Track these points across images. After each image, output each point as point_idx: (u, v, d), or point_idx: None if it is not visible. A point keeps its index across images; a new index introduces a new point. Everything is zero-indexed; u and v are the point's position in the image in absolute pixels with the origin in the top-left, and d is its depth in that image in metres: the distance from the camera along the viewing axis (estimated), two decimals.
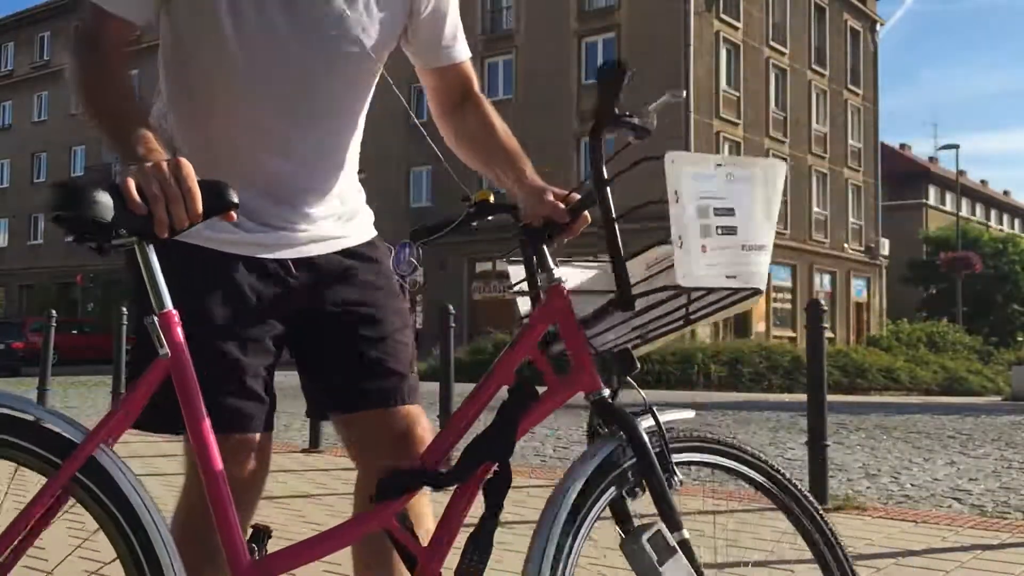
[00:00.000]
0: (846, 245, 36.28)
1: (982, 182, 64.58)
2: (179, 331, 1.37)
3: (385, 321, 1.68)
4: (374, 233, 1.79)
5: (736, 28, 30.59)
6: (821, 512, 1.61)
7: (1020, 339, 38.76)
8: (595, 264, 1.60)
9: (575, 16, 30.19)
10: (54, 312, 8.83)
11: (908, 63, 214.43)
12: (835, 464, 6.12)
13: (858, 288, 37.28)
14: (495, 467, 1.43)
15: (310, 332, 1.67)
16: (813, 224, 34.26)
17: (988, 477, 5.80)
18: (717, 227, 1.42)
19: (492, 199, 1.61)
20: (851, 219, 36.95)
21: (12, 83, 47.24)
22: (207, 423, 1.37)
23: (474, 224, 1.62)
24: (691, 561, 1.42)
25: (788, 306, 32.83)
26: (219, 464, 1.37)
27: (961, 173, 42.12)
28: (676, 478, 1.46)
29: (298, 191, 1.64)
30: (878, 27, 39.52)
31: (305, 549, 1.42)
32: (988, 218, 61.48)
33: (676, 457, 1.49)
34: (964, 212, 47.80)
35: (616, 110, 1.46)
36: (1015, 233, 54.55)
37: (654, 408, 1.48)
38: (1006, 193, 68.28)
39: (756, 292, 1.48)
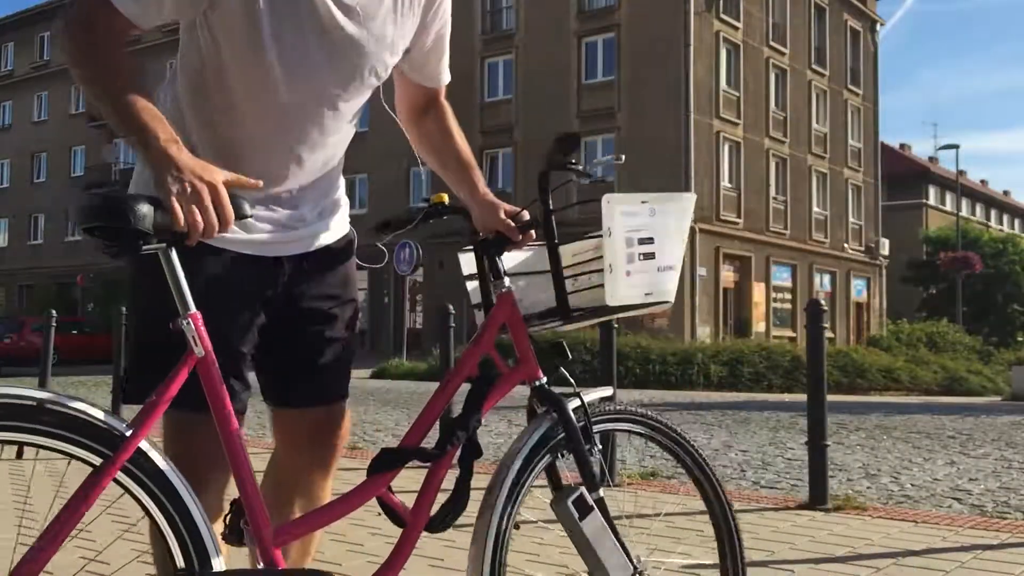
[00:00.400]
0: (846, 245, 36.29)
1: (982, 182, 64.58)
2: (204, 330, 1.48)
3: (341, 318, 1.86)
4: (348, 225, 1.92)
5: (736, 28, 30.59)
6: (723, 490, 1.97)
7: (1020, 339, 38.77)
8: (532, 246, 1.88)
9: (575, 16, 30.19)
10: (54, 312, 8.82)
11: (908, 63, 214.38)
12: (835, 464, 6.12)
13: (858, 288, 37.29)
14: (464, 441, 1.68)
15: (282, 326, 1.78)
16: (813, 224, 34.26)
17: (988, 477, 5.80)
18: (640, 254, 1.76)
19: (447, 201, 1.86)
20: (851, 219, 36.95)
21: (12, 83, 47.25)
22: (232, 411, 1.50)
23: (430, 220, 1.86)
24: (605, 516, 1.75)
25: (788, 306, 32.84)
26: (243, 448, 1.51)
27: (961, 173, 42.12)
28: (596, 447, 1.78)
29: (302, 196, 1.77)
30: (878, 27, 39.54)
31: (317, 516, 1.64)
32: (988, 218, 61.47)
33: (600, 427, 1.82)
34: (964, 212, 47.78)
35: (564, 161, 1.75)
36: (1015, 233, 54.55)
37: (580, 392, 1.79)
38: (1006, 193, 68.26)
39: (666, 303, 1.84)
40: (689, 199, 1.86)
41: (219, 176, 1.43)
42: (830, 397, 5.13)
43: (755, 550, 3.38)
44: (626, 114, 28.71)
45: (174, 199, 1.38)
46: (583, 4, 30.20)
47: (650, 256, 1.77)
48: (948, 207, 51.27)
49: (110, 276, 39.63)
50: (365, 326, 33.78)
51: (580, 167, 1.77)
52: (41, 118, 46.25)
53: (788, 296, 32.94)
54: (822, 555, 3.41)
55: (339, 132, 1.76)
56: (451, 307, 6.56)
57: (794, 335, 30.72)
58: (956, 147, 36.73)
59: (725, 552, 2.00)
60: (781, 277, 32.70)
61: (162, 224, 1.40)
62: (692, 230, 27.42)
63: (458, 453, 1.67)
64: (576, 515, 1.70)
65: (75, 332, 29.24)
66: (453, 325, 6.42)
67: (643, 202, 1.77)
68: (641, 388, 17.02)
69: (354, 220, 1.94)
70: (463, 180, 1.92)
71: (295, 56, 1.61)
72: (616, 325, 5.73)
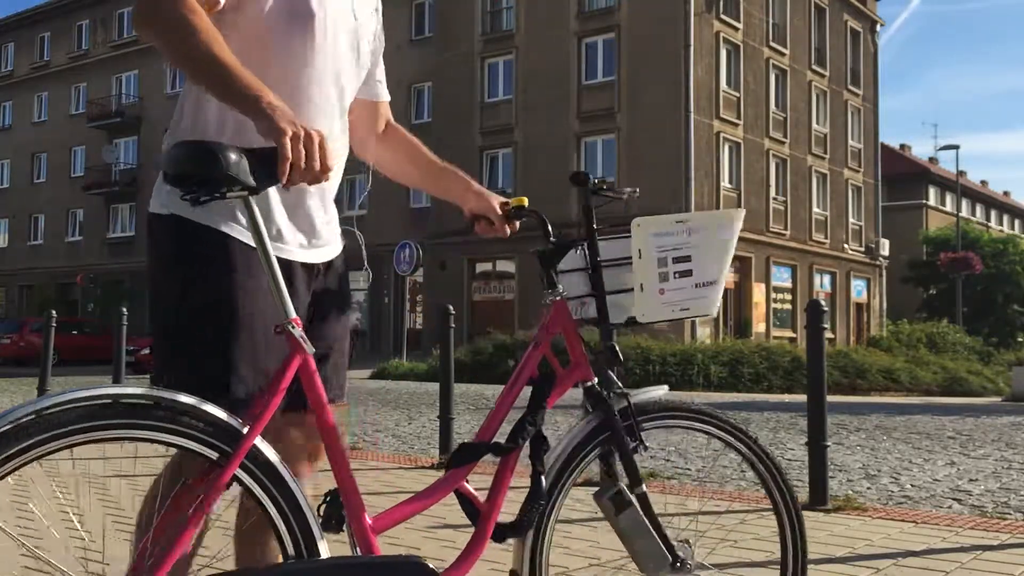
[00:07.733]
0: (846, 245, 36.28)
1: (982, 183, 64.56)
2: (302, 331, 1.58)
3: (343, 323, 1.92)
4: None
5: (736, 28, 30.58)
6: (779, 465, 2.05)
7: (1020, 339, 38.79)
8: (620, 237, 1.94)
9: (575, 16, 30.17)
10: (54, 312, 8.83)
11: (912, 64, 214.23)
12: (835, 464, 6.12)
13: (858, 288, 37.29)
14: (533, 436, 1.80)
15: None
16: (813, 224, 34.26)
17: (988, 478, 5.80)
18: (675, 272, 1.88)
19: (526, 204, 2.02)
20: (851, 219, 36.95)
21: (12, 83, 47.24)
22: (329, 406, 1.58)
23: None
24: (647, 512, 1.87)
25: (788, 306, 32.83)
26: (342, 442, 1.59)
27: (961, 174, 42.09)
28: (643, 445, 1.91)
29: (328, 195, 1.84)
30: (878, 28, 39.54)
31: (405, 507, 1.69)
32: (988, 219, 61.46)
33: (650, 424, 1.94)
34: (964, 213, 47.79)
35: (596, 188, 1.92)
36: (1015, 234, 54.55)
37: (628, 393, 1.92)
38: (1006, 194, 68.23)
39: (707, 315, 1.96)
40: (732, 215, 1.94)
41: (325, 138, 1.50)
42: (830, 397, 5.13)
43: (755, 550, 3.37)
44: (626, 114, 28.69)
45: (287, 139, 1.43)
46: (583, 4, 30.18)
47: (687, 273, 1.88)
48: (948, 208, 51.27)
49: (110, 276, 39.61)
50: (365, 327, 33.76)
51: (611, 193, 1.94)
52: (41, 118, 46.23)
53: (788, 296, 32.93)
54: (822, 555, 3.41)
55: (345, 131, 1.84)
56: (451, 307, 6.56)
57: (794, 335, 30.71)
58: (956, 148, 36.72)
59: (796, 550, 2.05)
60: (781, 278, 32.69)
61: (246, 174, 1.46)
62: None
63: (528, 449, 1.80)
64: (613, 509, 1.85)
65: (75, 332, 29.23)
66: (453, 326, 6.41)
67: (678, 222, 1.88)
68: (639, 386, 17.00)
69: (354, 221, 1.96)
70: (454, 178, 2.06)
71: (327, 38, 1.73)
72: None
